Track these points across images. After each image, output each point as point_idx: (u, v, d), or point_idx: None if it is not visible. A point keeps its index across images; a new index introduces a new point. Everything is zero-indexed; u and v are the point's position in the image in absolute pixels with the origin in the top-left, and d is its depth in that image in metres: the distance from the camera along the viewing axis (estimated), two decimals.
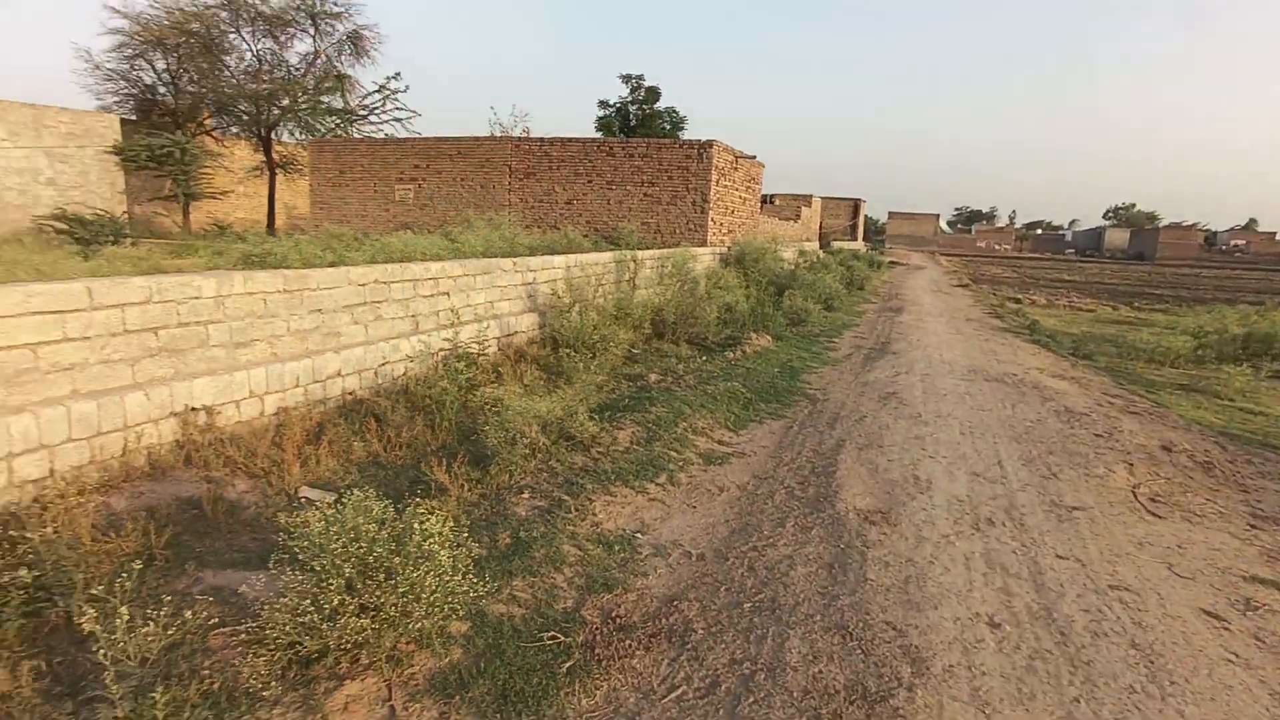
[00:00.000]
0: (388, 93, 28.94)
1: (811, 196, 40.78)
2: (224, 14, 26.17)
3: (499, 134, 24.02)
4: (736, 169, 20.42)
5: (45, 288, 4.69)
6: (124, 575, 3.15)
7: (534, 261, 10.58)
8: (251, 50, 27.24)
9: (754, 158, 21.45)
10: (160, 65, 26.95)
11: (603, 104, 38.81)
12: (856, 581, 4.39)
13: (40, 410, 4.46)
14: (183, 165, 23.25)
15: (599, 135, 32.67)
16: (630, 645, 3.60)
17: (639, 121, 37.62)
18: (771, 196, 39.29)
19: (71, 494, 4.27)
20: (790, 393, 9.09)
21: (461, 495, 5.12)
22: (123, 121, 24.72)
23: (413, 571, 3.21)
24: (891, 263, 42.56)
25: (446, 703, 3.13)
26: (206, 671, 3.12)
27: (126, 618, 2.73)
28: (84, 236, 15.26)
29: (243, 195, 29.73)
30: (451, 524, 3.63)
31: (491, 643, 3.56)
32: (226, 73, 26.84)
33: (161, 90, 27.48)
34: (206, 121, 28.03)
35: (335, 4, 27.21)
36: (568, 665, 3.42)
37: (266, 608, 3.20)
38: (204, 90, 26.61)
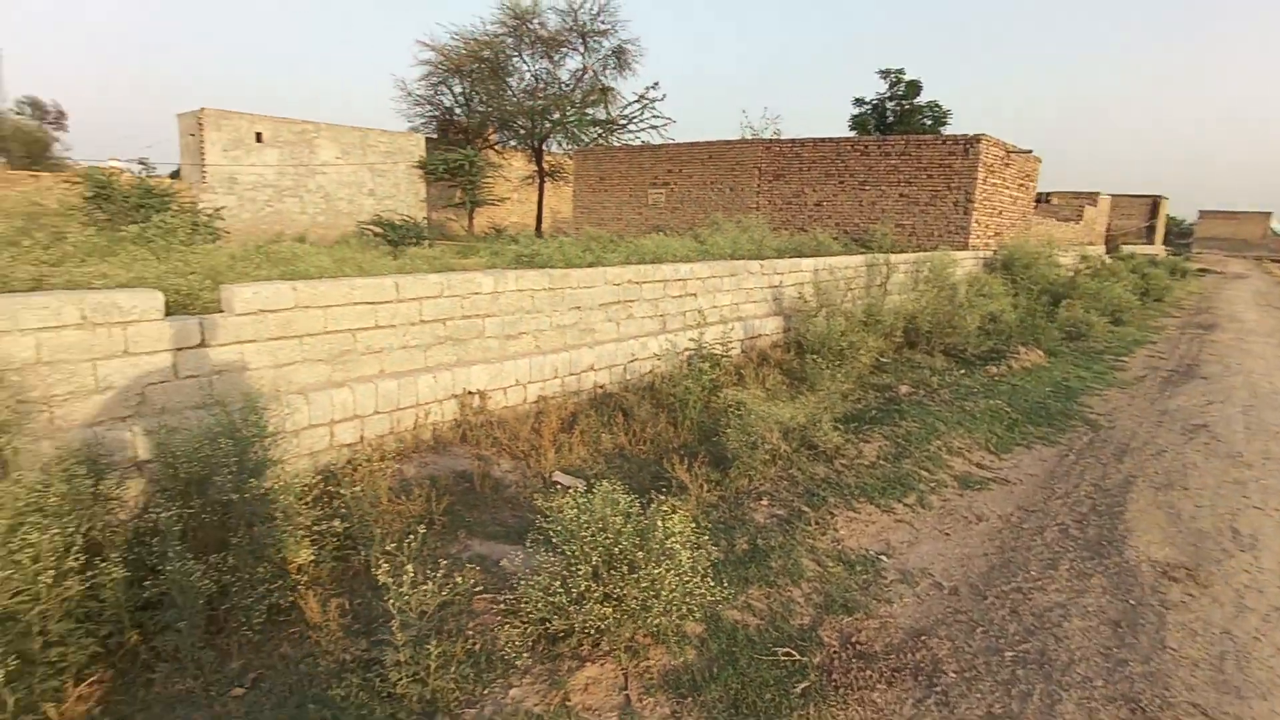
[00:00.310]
0: (646, 102, 30.41)
1: (1097, 195, 35.85)
2: (509, 40, 29.24)
3: (749, 137, 24.18)
4: (1008, 165, 18.53)
5: (364, 282, 5.50)
6: (411, 536, 3.58)
7: (781, 264, 10.43)
8: (530, 70, 30.16)
9: (1029, 152, 19.31)
10: (457, 89, 30.86)
11: (858, 101, 37.42)
12: (1152, 647, 3.71)
13: (356, 386, 5.25)
14: (470, 176, 26.43)
15: (852, 134, 31.51)
16: (871, 676, 3.36)
17: (897, 118, 35.73)
18: (1048, 195, 35.21)
19: (375, 459, 4.97)
20: (1065, 416, 8.01)
21: (701, 496, 5.17)
22: (426, 140, 28.64)
23: (654, 568, 3.27)
24: (1201, 270, 35.98)
25: (679, 702, 3.15)
26: (471, 632, 3.44)
27: (411, 574, 3.09)
28: (393, 238, 17.87)
29: (516, 201, 32.98)
30: (692, 524, 3.65)
31: (725, 649, 3.52)
32: (509, 92, 29.99)
33: (457, 111, 31.43)
34: (491, 136, 31.55)
35: (602, 22, 29.17)
36: (802, 686, 3.28)
37: (522, 583, 3.46)
38: (490, 109, 30.00)
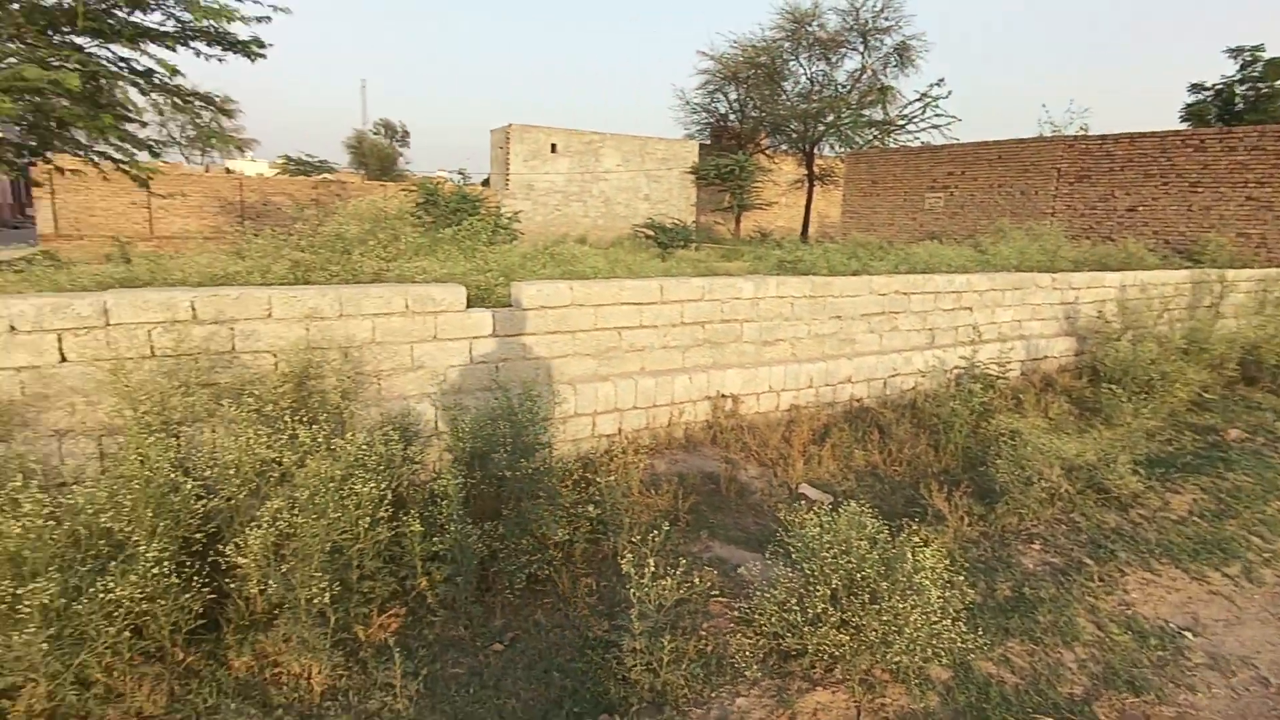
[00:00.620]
0: (928, 100, 28.56)
1: None
2: (786, 44, 29.19)
3: (1049, 134, 21.57)
4: None
5: (632, 283, 5.84)
6: (655, 530, 3.73)
7: (1077, 278, 9.19)
8: (806, 73, 29.85)
9: None
10: (732, 96, 31.54)
11: (1195, 87, 31.59)
12: None
13: (618, 381, 5.60)
14: (740, 181, 26.89)
15: (1183, 127, 26.72)
16: None
17: (1249, 105, 29.58)
18: None
19: (630, 452, 5.26)
20: None
21: (960, 529, 4.74)
22: (700, 146, 29.68)
23: (899, 601, 3.07)
24: None
25: None
26: (704, 633, 3.50)
27: (652, 567, 3.22)
28: (663, 241, 18.78)
29: (784, 206, 32.88)
30: (946, 560, 3.36)
31: (974, 703, 3.19)
32: (783, 97, 29.97)
33: (731, 117, 32.15)
34: (762, 141, 31.80)
35: (885, 19, 27.92)
36: None
37: (759, 593, 3.44)
38: (763, 114, 30.23)
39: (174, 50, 9.29)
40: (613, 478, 4.57)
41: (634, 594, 3.20)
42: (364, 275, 5.40)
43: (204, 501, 3.23)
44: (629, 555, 3.31)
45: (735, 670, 3.25)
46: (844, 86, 29.61)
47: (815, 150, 30.19)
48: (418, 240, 7.31)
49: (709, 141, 31.88)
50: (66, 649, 2.65)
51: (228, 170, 36.15)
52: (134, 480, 3.02)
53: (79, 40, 8.82)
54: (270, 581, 3.05)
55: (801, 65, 29.76)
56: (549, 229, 25.18)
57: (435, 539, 3.56)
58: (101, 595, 2.67)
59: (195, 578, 3.03)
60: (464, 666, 3.31)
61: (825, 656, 3.16)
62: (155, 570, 2.79)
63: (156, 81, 9.45)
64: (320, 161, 38.25)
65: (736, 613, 3.62)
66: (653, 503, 4.81)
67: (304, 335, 4.46)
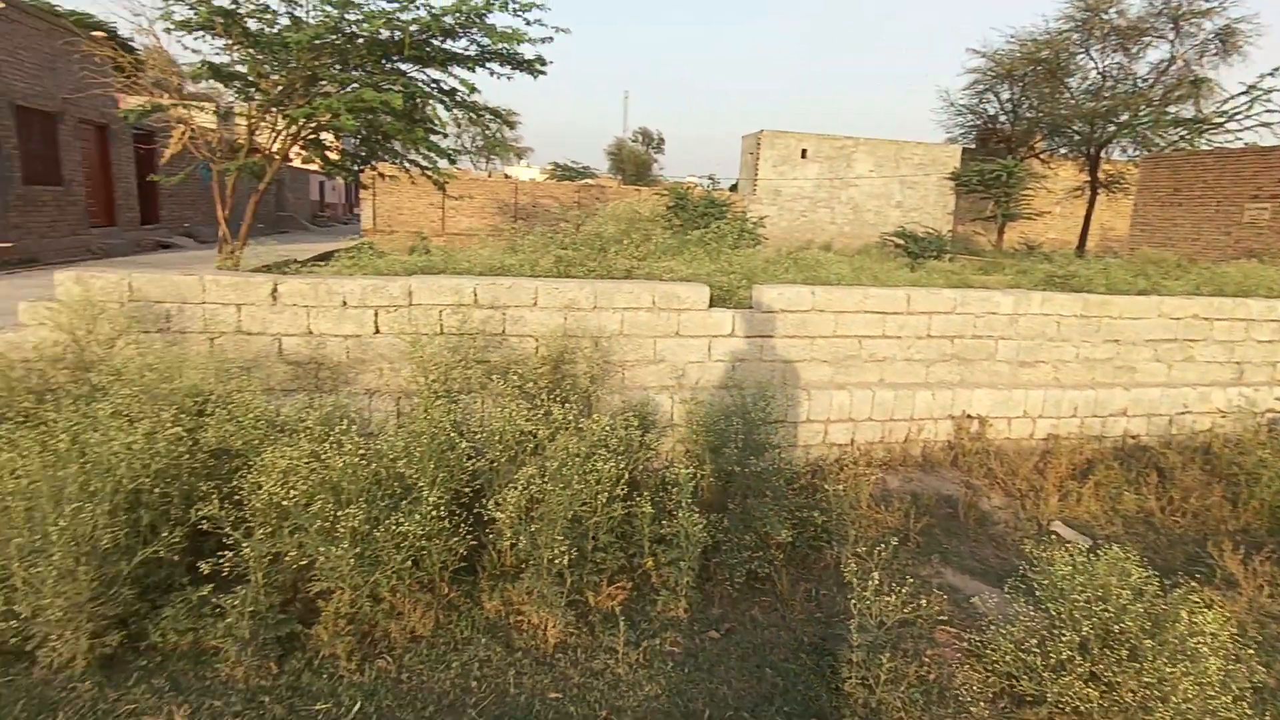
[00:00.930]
0: (1257, 94, 23.95)
1: None
2: (1075, 36, 26.10)
3: None
4: None
5: (877, 291, 5.66)
6: (883, 546, 3.61)
7: None
8: (1097, 67, 26.46)
9: None
10: (1004, 95, 28.88)
11: None
12: None
13: (854, 390, 5.47)
14: (1006, 188, 24.58)
15: None
16: None
17: None
18: None
19: (861, 464, 5.11)
20: None
21: (1256, 599, 4.00)
22: (963, 150, 27.62)
23: (1166, 665, 2.69)
24: None
25: None
26: (926, 659, 3.33)
27: (877, 582, 3.13)
28: (913, 250, 17.79)
29: (1057, 216, 29.54)
30: (1232, 629, 2.88)
31: None
32: (1066, 95, 26.86)
33: (1001, 119, 29.46)
34: (1037, 145, 28.77)
35: (1204, 1, 23.86)
36: None
37: (994, 627, 3.20)
38: (1040, 114, 27.33)
39: (473, 71, 10.65)
40: (841, 487, 4.50)
41: (855, 606, 3.14)
42: (617, 272, 5.82)
43: (473, 461, 3.72)
44: (853, 566, 3.25)
45: (959, 704, 3.05)
46: (1144, 80, 25.80)
47: (1102, 154, 26.69)
48: (667, 241, 7.69)
49: (974, 145, 29.55)
50: (366, 568, 3.21)
51: (505, 175, 40.48)
52: (422, 436, 3.56)
53: (402, 66, 10.45)
54: (520, 538, 3.43)
55: (1092, 58, 26.41)
56: (793, 235, 24.98)
57: (663, 522, 3.76)
58: (394, 527, 3.20)
59: (461, 525, 3.51)
60: (680, 647, 3.46)
61: (1067, 709, 2.86)
62: (434, 513, 3.27)
63: (459, 99, 10.89)
64: (584, 167, 41.41)
65: (965, 644, 3.39)
66: (881, 519, 4.64)
67: (561, 324, 4.92)
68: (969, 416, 5.77)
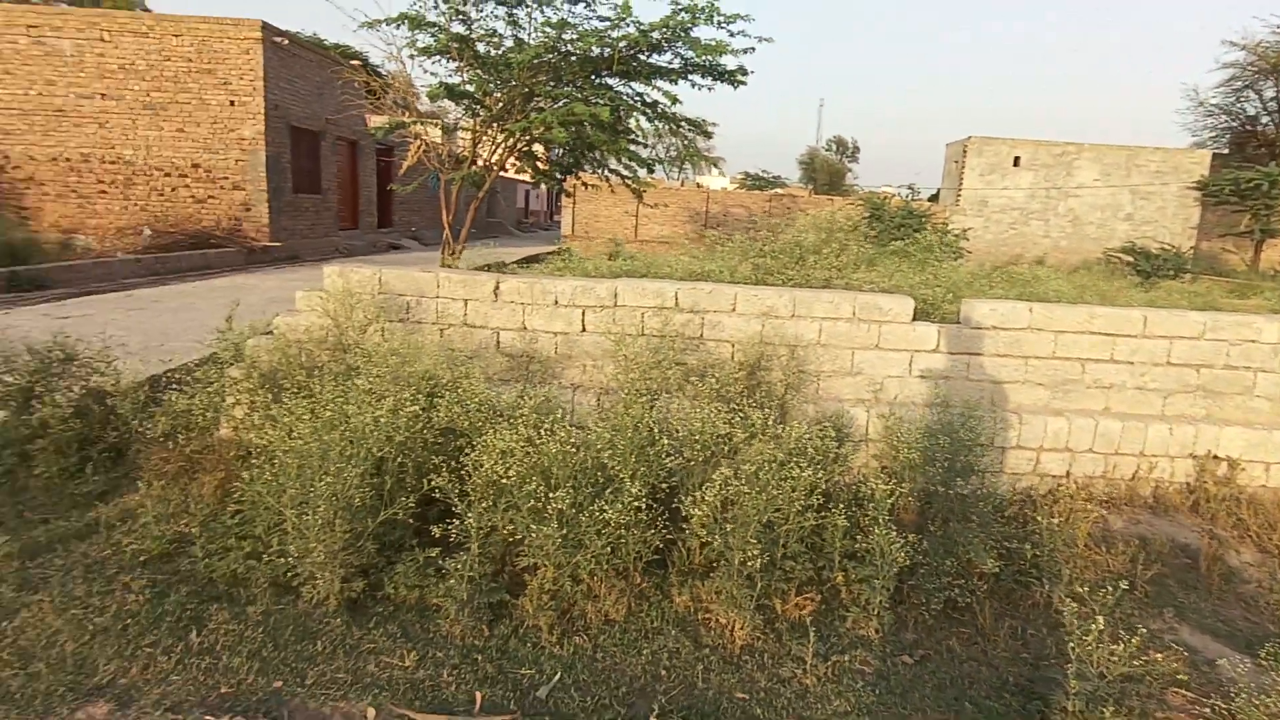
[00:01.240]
0: None
1: None
2: None
3: None
4: None
5: (1105, 311, 5.15)
6: (1106, 589, 3.29)
7: None
8: None
9: None
10: (1268, 93, 24.95)
11: None
12: None
13: (1074, 418, 5.01)
14: (1267, 199, 21.17)
15: None
16: None
17: None
18: None
19: (1080, 498, 4.67)
20: None
21: None
22: (1213, 156, 24.22)
23: None
24: None
25: None
26: (1157, 717, 2.99)
27: (1100, 627, 2.86)
28: (1145, 269, 15.89)
29: None
30: None
31: None
32: None
33: (1264, 120, 25.49)
34: None
35: None
36: None
37: (1243, 696, 2.81)
38: None
39: (675, 83, 10.97)
40: (1056, 521, 4.14)
41: (1073, 650, 2.90)
42: (815, 281, 5.75)
43: (670, 459, 3.85)
44: (1072, 605, 3.00)
45: None
46: None
47: None
48: (865, 252, 7.49)
49: (1227, 151, 25.79)
50: (569, 548, 3.43)
51: (697, 185, 41.15)
52: (625, 430, 3.75)
53: (610, 80, 11.00)
54: (714, 537, 3.51)
55: None
56: (999, 248, 23.19)
57: (856, 538, 3.67)
58: (597, 514, 3.39)
59: (657, 520, 3.64)
60: (871, 667, 3.36)
61: None
62: (633, 504, 3.43)
63: (660, 110, 11.27)
64: (774, 177, 41.15)
65: (1206, 711, 3.00)
66: (1101, 560, 4.21)
67: (758, 331, 4.95)
68: (1215, 457, 5.07)
